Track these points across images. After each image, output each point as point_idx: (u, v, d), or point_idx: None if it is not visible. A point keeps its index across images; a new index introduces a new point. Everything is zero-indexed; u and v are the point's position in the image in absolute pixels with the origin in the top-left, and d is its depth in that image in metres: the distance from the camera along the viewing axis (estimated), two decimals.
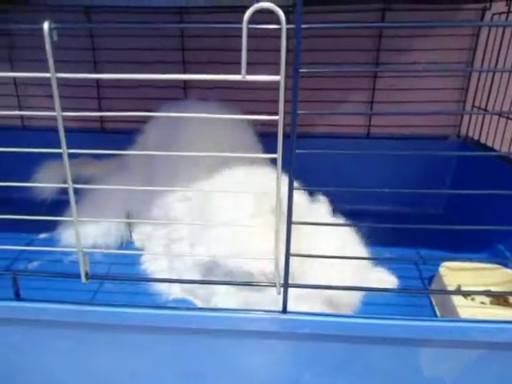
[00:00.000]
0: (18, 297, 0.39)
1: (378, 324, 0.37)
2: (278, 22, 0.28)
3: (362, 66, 0.87)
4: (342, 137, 0.89)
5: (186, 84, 0.89)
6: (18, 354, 0.43)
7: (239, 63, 0.28)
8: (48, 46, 0.30)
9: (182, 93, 0.89)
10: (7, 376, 0.45)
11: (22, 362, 0.44)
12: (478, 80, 0.83)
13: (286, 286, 0.35)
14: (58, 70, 0.31)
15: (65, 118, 0.32)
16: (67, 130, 0.32)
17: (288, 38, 0.28)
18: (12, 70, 0.91)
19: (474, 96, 0.85)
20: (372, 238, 0.60)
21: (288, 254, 0.34)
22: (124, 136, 0.72)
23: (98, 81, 0.87)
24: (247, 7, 0.27)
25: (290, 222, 0.32)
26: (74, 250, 0.36)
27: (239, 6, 0.77)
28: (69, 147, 0.32)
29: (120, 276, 0.38)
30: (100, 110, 0.89)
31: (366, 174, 0.84)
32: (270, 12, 0.27)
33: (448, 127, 0.90)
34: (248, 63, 0.28)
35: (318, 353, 0.39)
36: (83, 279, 0.37)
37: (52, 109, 0.32)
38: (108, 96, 0.89)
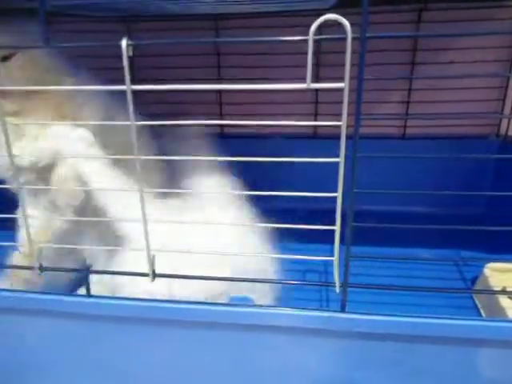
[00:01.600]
0: (88, 293, 0.42)
1: (435, 323, 0.37)
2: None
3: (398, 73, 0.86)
4: (377, 137, 0.90)
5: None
6: (84, 347, 0.46)
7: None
8: (125, 61, 0.33)
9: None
10: (74, 367, 0.48)
11: (87, 354, 0.47)
12: None
13: (346, 285, 0.37)
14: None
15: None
16: None
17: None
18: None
19: None
20: (411, 240, 0.61)
21: (348, 255, 0.35)
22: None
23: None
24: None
25: (350, 224, 0.34)
26: (143, 249, 0.38)
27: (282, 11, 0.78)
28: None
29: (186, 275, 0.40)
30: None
31: (402, 174, 0.84)
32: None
33: (487, 126, 0.89)
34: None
35: (373, 351, 0.41)
36: (151, 279, 0.39)
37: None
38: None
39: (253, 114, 0.92)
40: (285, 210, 0.80)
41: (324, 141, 0.90)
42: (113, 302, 0.41)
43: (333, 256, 0.36)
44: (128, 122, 0.34)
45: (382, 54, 0.84)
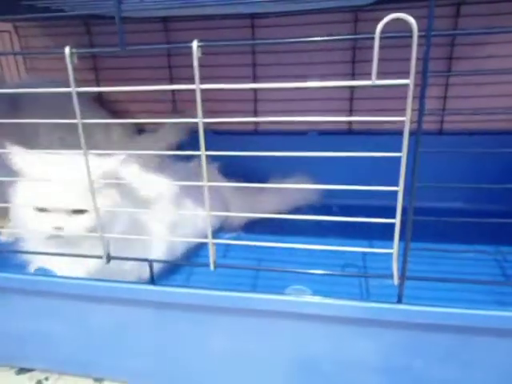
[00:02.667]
0: (153, 281, 0.44)
1: (491, 315, 0.38)
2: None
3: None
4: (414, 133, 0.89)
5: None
6: (146, 334, 0.49)
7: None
8: (195, 62, 0.35)
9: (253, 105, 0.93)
10: (136, 351, 0.51)
11: (150, 341, 0.50)
12: None
13: (404, 277, 0.38)
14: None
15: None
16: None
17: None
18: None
19: None
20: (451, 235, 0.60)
21: (407, 248, 0.36)
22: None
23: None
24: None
25: (411, 218, 0.35)
26: (207, 240, 0.40)
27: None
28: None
29: (244, 265, 0.42)
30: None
31: (439, 170, 0.83)
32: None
33: None
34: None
35: (429, 342, 0.41)
36: (212, 267, 0.42)
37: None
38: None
39: (287, 110, 0.93)
40: (321, 206, 0.82)
41: (358, 136, 0.90)
42: (176, 290, 0.44)
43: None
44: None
45: (420, 49, 0.83)
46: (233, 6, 0.62)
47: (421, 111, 0.33)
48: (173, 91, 0.96)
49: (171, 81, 0.95)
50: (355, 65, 0.84)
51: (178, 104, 0.97)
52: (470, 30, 0.82)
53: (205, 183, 0.38)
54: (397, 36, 0.32)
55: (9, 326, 0.54)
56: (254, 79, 0.92)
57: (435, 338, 0.41)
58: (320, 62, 0.87)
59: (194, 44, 0.34)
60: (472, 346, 0.41)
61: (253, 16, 0.87)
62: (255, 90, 0.94)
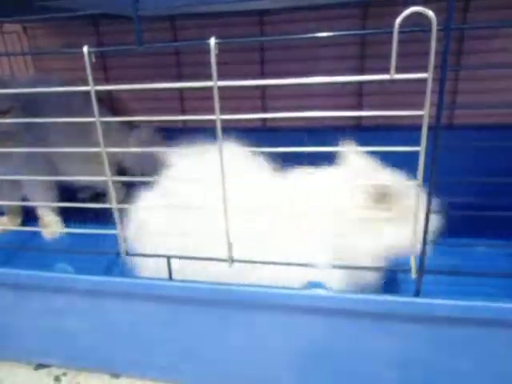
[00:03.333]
0: (170, 277, 0.45)
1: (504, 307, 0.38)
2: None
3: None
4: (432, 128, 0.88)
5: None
6: (162, 330, 0.50)
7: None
8: (213, 59, 0.35)
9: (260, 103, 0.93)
10: (153, 344, 0.52)
11: (167, 336, 0.50)
12: None
13: (422, 271, 0.38)
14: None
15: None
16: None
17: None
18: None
19: None
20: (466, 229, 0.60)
21: (425, 242, 0.36)
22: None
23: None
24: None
25: (429, 213, 0.35)
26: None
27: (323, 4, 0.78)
28: None
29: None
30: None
31: (451, 165, 0.82)
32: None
33: None
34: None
35: (446, 335, 0.42)
36: (229, 264, 0.42)
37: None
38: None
39: (296, 106, 0.93)
40: None
41: (368, 132, 0.90)
42: (192, 285, 0.44)
43: None
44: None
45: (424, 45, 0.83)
46: (244, 3, 0.62)
47: (440, 105, 0.33)
48: (180, 90, 0.96)
49: (179, 79, 0.95)
50: (364, 60, 0.84)
51: (185, 102, 0.98)
52: (481, 23, 0.81)
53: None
54: (415, 30, 0.32)
55: (27, 323, 0.55)
56: (263, 75, 0.92)
57: (453, 331, 0.41)
58: (328, 57, 0.87)
59: (212, 41, 0.35)
60: (490, 339, 0.41)
61: (261, 13, 0.87)
62: (263, 88, 0.94)
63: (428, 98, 0.32)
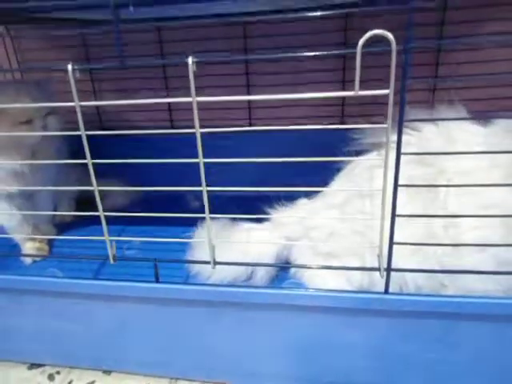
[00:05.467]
0: (157, 279, 0.47)
1: (469, 302, 0.42)
2: None
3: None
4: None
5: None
6: (151, 328, 0.53)
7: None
8: (191, 76, 0.37)
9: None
10: (143, 344, 0.55)
11: (155, 334, 0.53)
12: None
13: (389, 270, 0.41)
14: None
15: None
16: None
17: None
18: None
19: None
20: None
21: (391, 242, 0.39)
22: None
23: None
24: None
25: (394, 209, 0.38)
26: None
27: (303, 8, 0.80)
28: None
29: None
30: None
31: None
32: None
33: None
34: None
35: (414, 328, 0.45)
36: (212, 265, 0.45)
37: None
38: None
39: (280, 117, 0.94)
40: None
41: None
42: (178, 287, 0.47)
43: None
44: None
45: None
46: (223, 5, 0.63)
47: (400, 119, 0.36)
48: (169, 109, 0.98)
49: (167, 89, 0.97)
50: (346, 72, 0.87)
51: (173, 113, 1.00)
52: (451, 39, 0.83)
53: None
54: (377, 51, 0.34)
55: (21, 324, 0.57)
56: (248, 86, 0.94)
57: (420, 324, 0.45)
58: (312, 69, 0.88)
59: (190, 60, 0.37)
60: (455, 330, 0.45)
61: (245, 24, 0.88)
62: (248, 86, 0.95)
63: (390, 112, 0.35)
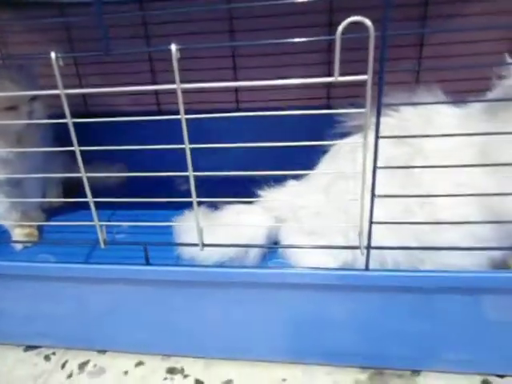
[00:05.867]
0: (147, 262, 0.49)
1: (439, 276, 0.45)
2: None
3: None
4: None
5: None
6: (142, 308, 0.54)
7: None
8: (175, 64, 0.38)
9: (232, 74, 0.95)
10: (134, 324, 0.57)
11: (147, 314, 0.55)
12: None
13: (369, 248, 0.43)
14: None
15: None
16: None
17: None
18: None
19: None
20: None
21: (371, 222, 0.41)
22: None
23: None
24: None
25: (373, 190, 0.40)
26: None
27: None
28: None
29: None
30: None
31: None
32: None
33: None
34: None
35: (393, 301, 0.48)
36: (200, 247, 0.46)
37: None
38: None
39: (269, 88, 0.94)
40: None
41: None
42: (168, 268, 0.49)
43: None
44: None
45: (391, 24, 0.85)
46: None
47: (379, 104, 0.37)
48: (156, 93, 0.97)
49: (152, 72, 0.96)
50: (331, 54, 0.87)
51: (159, 96, 0.99)
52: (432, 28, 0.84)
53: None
54: (355, 37, 0.35)
55: (16, 308, 0.59)
56: (235, 69, 0.94)
57: (399, 297, 0.48)
58: (298, 51, 0.88)
59: (173, 47, 0.37)
60: (431, 303, 0.48)
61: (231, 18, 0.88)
62: (235, 70, 0.95)
63: (369, 98, 0.36)
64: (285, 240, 0.63)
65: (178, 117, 0.40)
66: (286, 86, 0.92)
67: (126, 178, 0.89)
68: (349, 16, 0.33)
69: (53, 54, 0.38)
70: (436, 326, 0.49)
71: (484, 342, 0.50)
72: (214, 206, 0.67)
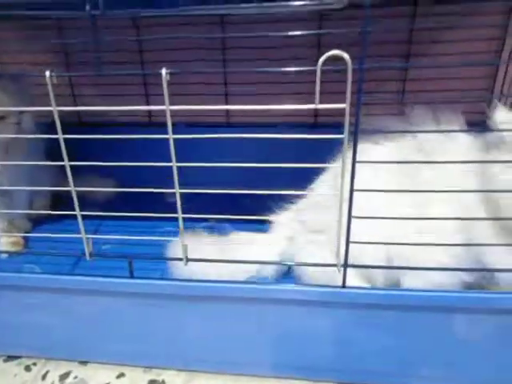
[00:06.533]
0: (132, 275, 0.50)
1: (412, 295, 0.47)
2: None
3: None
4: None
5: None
6: (125, 320, 0.55)
7: None
8: (165, 86, 0.40)
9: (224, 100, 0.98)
10: (117, 336, 0.57)
11: (129, 326, 0.56)
12: (507, 69, 0.88)
13: (346, 266, 0.45)
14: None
15: None
16: None
17: None
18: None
19: (502, 84, 0.89)
20: None
21: (348, 240, 0.43)
22: None
23: None
24: None
25: (350, 211, 0.42)
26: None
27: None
28: None
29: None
30: None
31: None
32: None
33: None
34: None
35: (369, 318, 0.50)
36: (184, 262, 0.48)
37: None
38: None
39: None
40: None
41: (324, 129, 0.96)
42: (151, 282, 0.50)
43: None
44: None
45: (379, 47, 0.88)
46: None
47: (356, 127, 0.39)
48: (147, 101, 1.00)
49: (145, 88, 0.98)
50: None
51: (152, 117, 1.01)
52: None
53: None
54: (335, 69, 0.37)
55: None
56: (224, 73, 0.95)
57: (375, 314, 0.50)
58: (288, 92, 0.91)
59: (163, 71, 0.39)
60: (404, 320, 0.50)
61: (223, 21, 0.90)
62: (226, 85, 0.97)
63: (347, 123, 0.39)
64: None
65: (167, 136, 0.42)
66: (277, 100, 0.94)
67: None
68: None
69: (47, 73, 0.40)
70: (412, 342, 0.51)
71: (459, 359, 0.52)
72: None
